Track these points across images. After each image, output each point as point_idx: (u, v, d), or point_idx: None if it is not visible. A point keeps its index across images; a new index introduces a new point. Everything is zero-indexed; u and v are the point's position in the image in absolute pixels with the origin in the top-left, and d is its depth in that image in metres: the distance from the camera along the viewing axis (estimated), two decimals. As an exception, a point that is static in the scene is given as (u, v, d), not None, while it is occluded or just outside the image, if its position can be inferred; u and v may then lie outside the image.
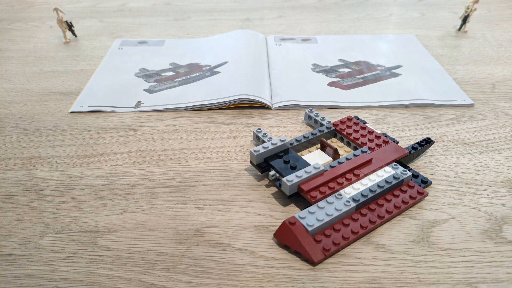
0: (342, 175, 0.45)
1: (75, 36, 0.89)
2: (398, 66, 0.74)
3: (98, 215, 0.44)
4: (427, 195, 0.45)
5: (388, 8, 1.05)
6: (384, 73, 0.72)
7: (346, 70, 0.73)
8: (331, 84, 0.69)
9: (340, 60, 0.77)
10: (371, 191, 0.43)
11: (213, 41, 0.85)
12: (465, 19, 0.88)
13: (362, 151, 0.49)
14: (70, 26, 0.86)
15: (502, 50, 0.81)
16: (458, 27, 0.90)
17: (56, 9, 0.83)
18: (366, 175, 0.45)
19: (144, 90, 0.67)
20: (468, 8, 0.87)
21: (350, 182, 0.44)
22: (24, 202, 0.46)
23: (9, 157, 0.53)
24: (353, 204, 0.42)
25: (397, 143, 0.51)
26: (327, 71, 0.73)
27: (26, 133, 0.58)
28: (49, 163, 0.52)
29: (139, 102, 0.62)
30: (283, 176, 0.45)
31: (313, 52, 0.80)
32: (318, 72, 0.73)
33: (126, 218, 0.44)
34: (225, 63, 0.74)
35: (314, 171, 0.44)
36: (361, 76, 0.71)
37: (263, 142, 0.52)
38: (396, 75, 0.71)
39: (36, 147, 0.55)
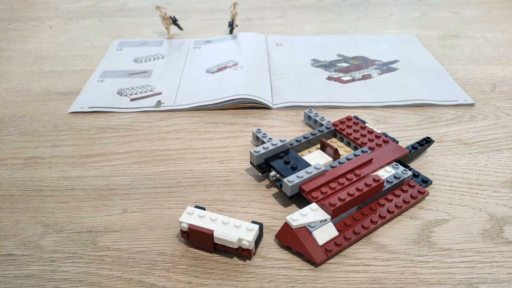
0: (343, 175, 0.45)
1: (181, 29, 0.87)
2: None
3: (98, 215, 0.44)
4: (428, 194, 0.45)
5: (389, 8, 1.05)
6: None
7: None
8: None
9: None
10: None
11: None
12: (231, 24, 0.87)
13: (362, 151, 0.49)
14: (174, 21, 0.85)
15: (503, 50, 0.81)
16: (228, 31, 0.89)
17: (158, 7, 0.81)
18: (367, 174, 0.45)
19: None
20: (231, 13, 0.86)
21: (351, 182, 0.44)
22: (24, 202, 0.46)
23: (8, 157, 0.53)
24: (353, 204, 0.41)
25: (397, 143, 0.51)
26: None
27: (26, 133, 0.58)
28: (48, 163, 0.52)
29: (159, 101, 0.62)
30: (284, 177, 0.45)
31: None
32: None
33: (126, 218, 0.43)
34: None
35: (315, 172, 0.44)
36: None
37: (263, 142, 0.52)
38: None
39: (36, 147, 0.55)
